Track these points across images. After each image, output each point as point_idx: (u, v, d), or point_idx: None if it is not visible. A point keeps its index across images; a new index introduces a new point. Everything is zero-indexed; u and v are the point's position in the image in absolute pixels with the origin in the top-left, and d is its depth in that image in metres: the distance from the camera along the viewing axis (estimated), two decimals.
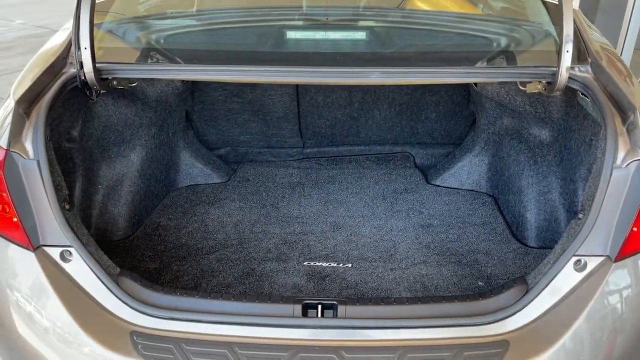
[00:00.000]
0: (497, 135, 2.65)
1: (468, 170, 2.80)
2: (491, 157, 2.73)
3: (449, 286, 2.13)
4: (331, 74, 1.92)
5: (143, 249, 2.36)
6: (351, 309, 1.59)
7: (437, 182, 2.86)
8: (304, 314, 1.59)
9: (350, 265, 2.26)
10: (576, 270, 1.58)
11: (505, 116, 2.56)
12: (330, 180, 2.94)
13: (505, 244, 2.38)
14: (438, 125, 3.00)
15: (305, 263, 2.27)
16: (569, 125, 2.23)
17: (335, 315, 1.59)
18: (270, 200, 2.75)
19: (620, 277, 1.58)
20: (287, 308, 1.59)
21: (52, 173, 1.65)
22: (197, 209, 2.66)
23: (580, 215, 1.64)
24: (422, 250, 2.36)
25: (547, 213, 2.36)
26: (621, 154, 1.58)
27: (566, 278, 1.59)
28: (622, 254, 1.56)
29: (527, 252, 2.32)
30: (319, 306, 1.60)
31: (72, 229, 1.63)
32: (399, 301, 1.73)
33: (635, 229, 1.54)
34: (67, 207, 1.68)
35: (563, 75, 1.76)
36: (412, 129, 3.03)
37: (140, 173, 2.53)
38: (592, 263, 1.59)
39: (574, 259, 1.58)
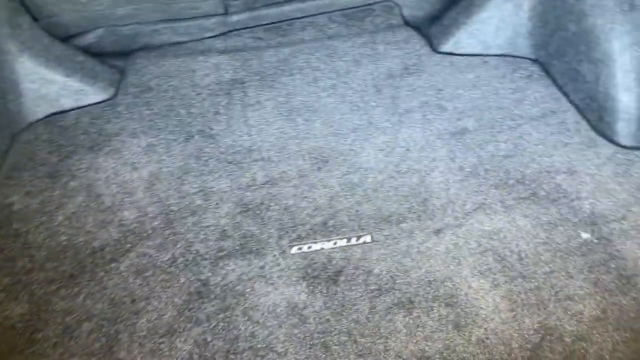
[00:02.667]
0: None
1: (497, 24, 1.78)
2: (536, 1, 1.71)
3: (538, 254, 1.28)
4: None
5: None
6: None
7: (449, 48, 1.84)
8: None
9: (369, 237, 1.34)
10: None
11: None
12: (284, 66, 1.84)
13: (592, 150, 1.51)
14: None
15: (294, 250, 1.32)
16: None
17: None
18: (195, 124, 1.66)
19: None
20: None
21: None
22: (73, 165, 1.54)
23: None
24: (470, 182, 1.45)
25: None
26: None
27: None
28: None
29: (631, 160, 1.47)
30: None
31: None
32: None
33: None
34: None
35: None
36: None
37: None
38: None
39: None
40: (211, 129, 1.63)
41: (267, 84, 1.78)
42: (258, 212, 1.40)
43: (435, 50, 1.85)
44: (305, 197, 1.44)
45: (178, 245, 1.33)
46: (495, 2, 1.75)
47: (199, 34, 1.95)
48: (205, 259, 1.30)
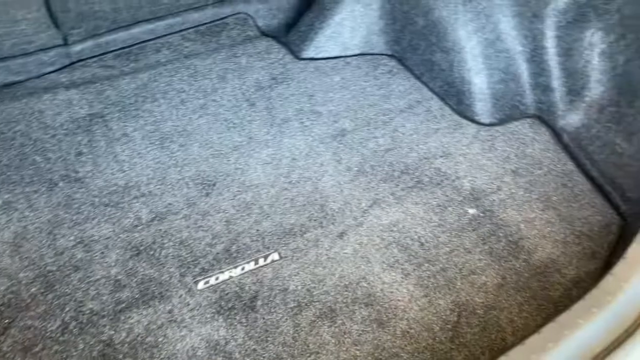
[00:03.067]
0: None
1: (351, 25, 1.85)
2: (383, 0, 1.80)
3: (436, 236, 1.35)
4: None
5: None
6: None
7: (311, 54, 1.87)
8: None
9: (276, 255, 1.30)
10: None
11: None
12: (144, 92, 1.72)
13: (459, 132, 1.63)
14: None
15: (201, 285, 1.23)
16: None
17: None
18: (56, 170, 1.47)
19: None
20: None
21: None
22: None
23: None
24: (360, 180, 1.48)
25: (502, 71, 1.63)
26: None
27: None
28: None
29: (493, 136, 1.61)
30: None
31: None
32: None
33: None
34: None
35: None
36: None
37: None
38: None
39: None
40: (76, 172, 1.47)
41: (131, 114, 1.65)
42: (151, 252, 1.29)
43: (297, 57, 1.86)
44: (200, 226, 1.35)
45: (67, 309, 1.17)
46: (345, 4, 1.81)
47: (38, 70, 1.75)
48: (103, 317, 1.16)
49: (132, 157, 1.52)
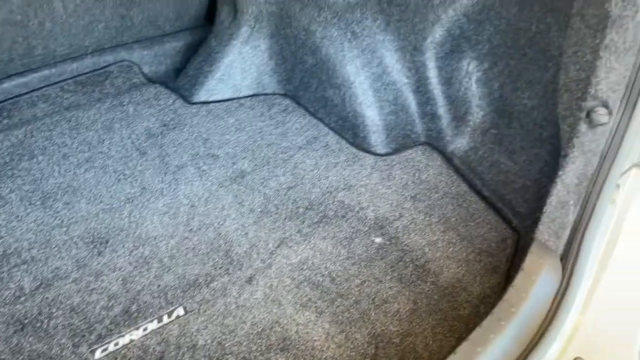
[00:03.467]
0: (274, 4, 1.73)
1: (241, 67, 1.84)
2: (271, 40, 1.81)
3: (346, 269, 1.34)
4: None
5: None
6: None
7: (203, 98, 1.83)
8: None
9: (181, 310, 1.21)
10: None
11: None
12: (20, 150, 1.58)
13: (357, 164, 1.65)
14: (164, 4, 1.85)
15: (99, 354, 1.11)
16: None
17: None
18: None
19: None
20: None
21: None
22: None
23: (604, 118, 1.01)
24: (264, 221, 1.44)
25: (391, 102, 1.69)
26: None
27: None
28: None
29: (390, 165, 1.65)
30: None
31: None
32: None
33: None
34: None
35: None
36: (124, 18, 1.80)
37: None
38: (625, 184, 1.03)
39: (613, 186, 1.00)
40: None
41: (5, 174, 1.50)
42: (38, 324, 1.15)
43: (188, 101, 1.81)
44: (93, 289, 1.24)
45: None
46: (233, 47, 1.80)
47: None
48: None
49: (10, 222, 1.37)
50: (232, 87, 1.84)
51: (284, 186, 1.55)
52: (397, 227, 1.46)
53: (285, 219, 1.46)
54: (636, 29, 0.93)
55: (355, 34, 1.65)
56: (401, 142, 1.71)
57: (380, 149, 1.69)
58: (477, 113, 1.61)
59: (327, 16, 1.66)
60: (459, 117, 1.63)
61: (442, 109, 1.65)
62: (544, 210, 1.07)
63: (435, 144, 1.70)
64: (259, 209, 1.48)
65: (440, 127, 1.67)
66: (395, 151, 1.70)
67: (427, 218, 1.49)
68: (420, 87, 1.66)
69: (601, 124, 1.00)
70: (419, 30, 1.55)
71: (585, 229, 0.99)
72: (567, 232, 1.02)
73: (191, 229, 1.40)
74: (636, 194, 1.03)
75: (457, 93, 1.62)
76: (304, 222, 1.45)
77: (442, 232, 1.45)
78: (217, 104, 1.82)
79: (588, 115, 1.02)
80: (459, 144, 1.64)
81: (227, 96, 1.84)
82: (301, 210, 1.49)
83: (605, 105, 1.00)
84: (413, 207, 1.52)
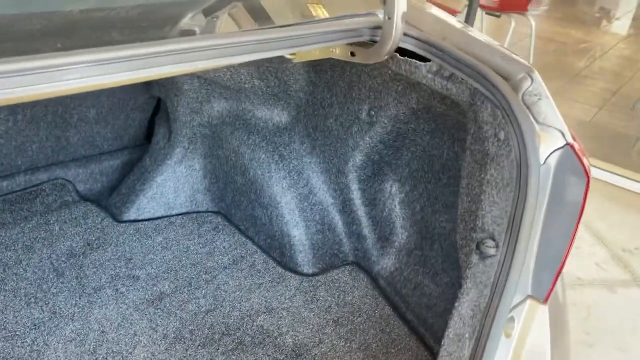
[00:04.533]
0: (209, 128, 1.80)
1: (174, 186, 1.86)
2: (205, 160, 1.86)
3: None
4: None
5: None
6: None
7: (133, 216, 1.82)
8: None
9: None
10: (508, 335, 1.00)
11: (214, 98, 1.72)
12: None
13: (282, 284, 1.63)
14: (102, 125, 1.90)
15: None
16: (319, 96, 1.59)
17: None
18: None
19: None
20: None
21: None
22: None
23: (492, 250, 1.03)
24: (176, 348, 1.38)
25: (318, 222, 1.71)
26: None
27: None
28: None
29: (315, 286, 1.63)
30: None
31: None
32: None
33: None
34: None
35: (398, 27, 1.06)
36: (60, 139, 1.83)
37: None
38: (520, 316, 1.03)
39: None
40: None
41: None
42: None
43: (118, 220, 1.80)
44: None
45: None
46: (167, 166, 1.84)
47: None
48: None
49: None
50: (165, 205, 1.85)
51: (202, 309, 1.51)
52: (316, 354, 1.41)
53: (198, 345, 1.40)
54: (511, 167, 0.98)
55: (282, 156, 1.70)
56: (329, 261, 1.70)
57: (307, 269, 1.68)
58: (402, 234, 1.62)
59: (255, 139, 1.72)
60: (384, 237, 1.65)
61: (367, 229, 1.67)
62: (442, 344, 1.05)
63: (362, 263, 1.70)
64: (172, 335, 1.42)
65: (367, 248, 1.67)
66: (323, 271, 1.68)
67: (348, 344, 1.44)
68: (346, 207, 1.69)
69: (490, 256, 1.01)
70: (341, 154, 1.61)
71: None
72: None
73: (97, 358, 1.33)
74: (531, 326, 1.02)
75: (381, 214, 1.65)
76: (218, 349, 1.40)
77: None
78: (147, 222, 1.81)
79: (478, 247, 1.03)
80: (385, 264, 1.64)
81: (159, 214, 1.84)
82: (217, 336, 1.43)
83: (492, 237, 1.02)
84: (334, 332, 1.48)
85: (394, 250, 1.64)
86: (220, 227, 1.83)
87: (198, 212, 1.88)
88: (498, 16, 5.33)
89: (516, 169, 0.97)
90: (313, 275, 1.67)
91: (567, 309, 1.29)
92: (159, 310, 1.49)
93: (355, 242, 1.70)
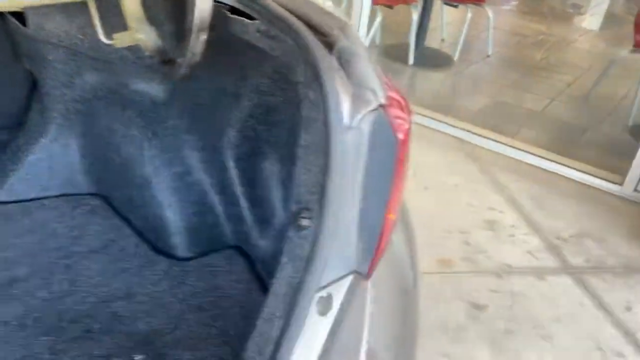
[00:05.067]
0: (82, 103, 1.67)
1: (49, 166, 1.73)
2: (82, 138, 1.73)
3: None
4: None
5: None
6: None
7: (2, 198, 1.69)
8: None
9: None
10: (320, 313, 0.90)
11: (85, 69, 1.60)
12: None
13: (150, 269, 1.52)
14: None
15: None
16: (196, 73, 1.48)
17: None
18: None
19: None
20: None
21: None
22: None
23: (306, 221, 0.92)
24: (15, 336, 1.26)
25: (195, 203, 1.60)
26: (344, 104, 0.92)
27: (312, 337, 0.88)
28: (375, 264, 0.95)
29: (186, 271, 1.52)
30: None
31: None
32: None
33: (391, 215, 0.94)
34: None
35: None
36: None
37: None
38: (340, 292, 0.93)
39: (317, 296, 0.89)
40: None
41: None
42: None
43: None
44: None
45: None
46: (42, 145, 1.71)
47: None
48: None
49: None
50: (39, 187, 1.72)
51: (54, 296, 1.39)
52: (167, 341, 1.30)
53: (40, 334, 1.28)
54: (321, 132, 0.88)
55: (155, 133, 1.59)
56: (207, 245, 1.59)
57: (182, 253, 1.57)
58: (282, 216, 1.52)
59: (130, 115, 1.60)
60: (264, 219, 1.54)
61: (246, 210, 1.56)
62: (256, 324, 0.95)
63: (244, 247, 1.59)
64: (14, 322, 1.30)
65: (246, 230, 1.56)
66: (200, 254, 1.57)
67: (207, 330, 1.34)
68: (226, 188, 1.58)
69: (304, 228, 0.91)
70: (215, 130, 1.50)
71: (285, 344, 0.87)
72: (270, 348, 0.89)
73: None
74: (352, 303, 0.92)
75: (261, 194, 1.54)
76: (61, 336, 1.28)
77: (217, 347, 1.29)
78: (16, 204, 1.68)
79: (295, 219, 0.93)
80: (265, 247, 1.54)
81: (31, 196, 1.71)
82: (63, 323, 1.32)
83: (307, 208, 0.92)
84: (195, 318, 1.37)
85: (275, 232, 1.53)
86: (97, 210, 1.71)
87: (76, 194, 1.76)
88: (456, 6, 5.26)
89: (325, 133, 0.87)
90: (188, 259, 1.56)
91: (419, 296, 1.19)
92: (6, 296, 1.37)
93: (236, 224, 1.59)
